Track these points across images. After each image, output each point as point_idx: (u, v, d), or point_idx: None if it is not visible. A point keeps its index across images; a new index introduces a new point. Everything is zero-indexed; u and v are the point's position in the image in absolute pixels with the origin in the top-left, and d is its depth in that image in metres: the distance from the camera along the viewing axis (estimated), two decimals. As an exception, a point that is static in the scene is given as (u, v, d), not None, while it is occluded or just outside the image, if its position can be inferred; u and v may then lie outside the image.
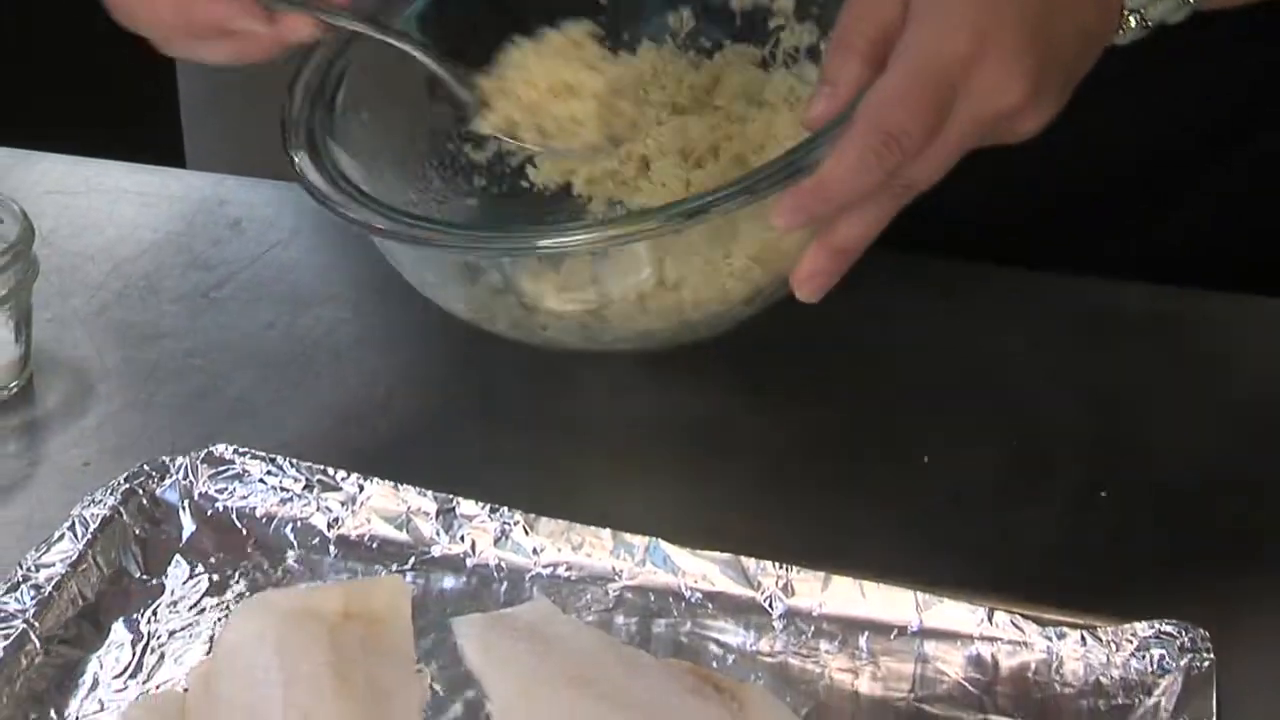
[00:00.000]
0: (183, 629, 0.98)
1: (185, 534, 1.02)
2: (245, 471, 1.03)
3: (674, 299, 1.00)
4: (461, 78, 1.05)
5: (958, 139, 0.91)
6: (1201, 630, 0.92)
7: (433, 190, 1.12)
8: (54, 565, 0.97)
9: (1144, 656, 0.93)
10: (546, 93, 1.00)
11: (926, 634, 0.95)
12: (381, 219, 0.99)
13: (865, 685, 0.94)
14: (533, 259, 1.00)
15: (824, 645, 0.96)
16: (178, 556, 1.01)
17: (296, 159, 1.02)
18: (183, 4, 1.02)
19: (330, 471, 1.03)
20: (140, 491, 1.02)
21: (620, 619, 0.98)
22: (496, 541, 1.00)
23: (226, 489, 1.03)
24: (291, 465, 1.03)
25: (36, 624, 0.95)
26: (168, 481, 1.03)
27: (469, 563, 1.01)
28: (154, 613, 0.98)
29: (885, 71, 0.90)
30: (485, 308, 1.03)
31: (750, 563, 0.98)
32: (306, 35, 1.03)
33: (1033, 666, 0.94)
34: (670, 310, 1.00)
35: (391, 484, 1.02)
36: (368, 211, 0.99)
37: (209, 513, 1.02)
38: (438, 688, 0.94)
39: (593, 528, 1.00)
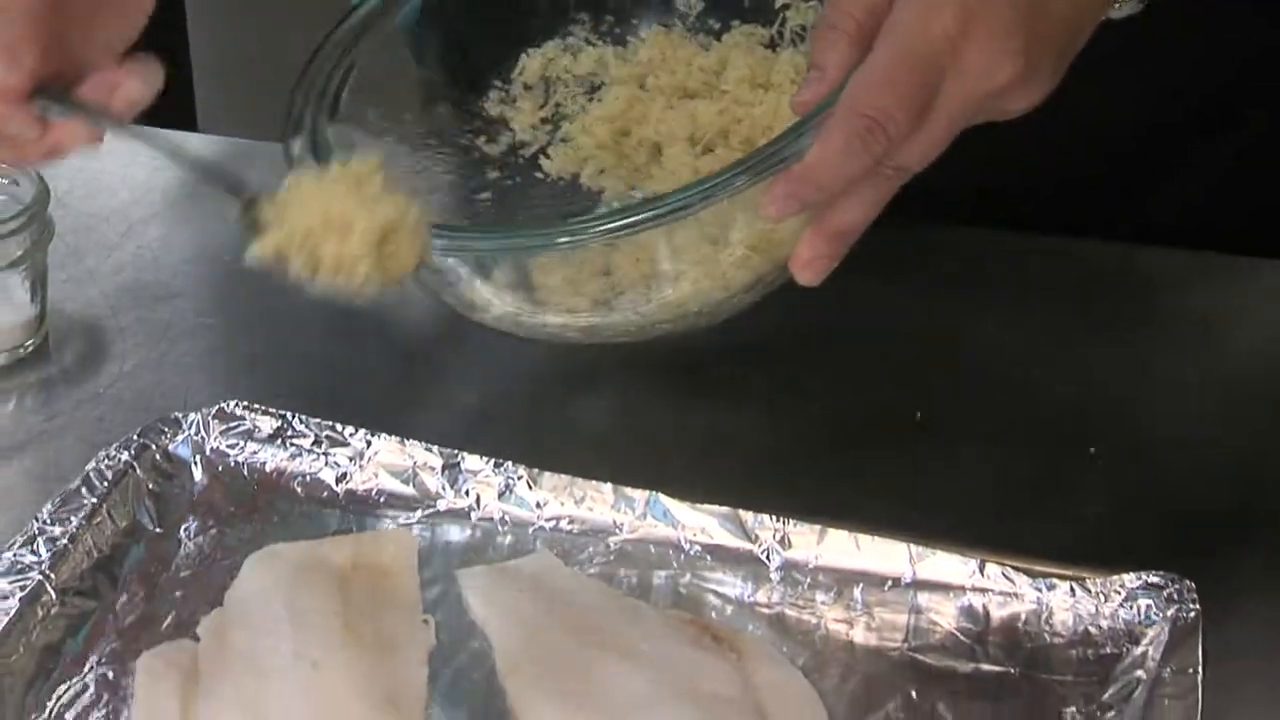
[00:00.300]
0: (195, 581, 0.99)
1: (197, 488, 1.04)
2: (256, 427, 1.05)
3: (676, 291, 1.00)
4: (237, 191, 0.97)
5: (947, 120, 0.89)
6: (1188, 581, 0.94)
7: (441, 185, 1.11)
8: (69, 519, 0.99)
9: (1131, 607, 0.94)
10: (321, 225, 0.94)
11: (920, 585, 0.97)
12: None
13: (860, 635, 0.96)
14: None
15: (820, 596, 0.98)
16: (190, 510, 1.03)
17: (295, 157, 1.01)
18: None
19: (339, 427, 1.05)
20: (153, 447, 1.03)
21: (621, 571, 1.00)
22: (501, 495, 1.02)
23: (238, 444, 1.05)
24: (301, 421, 1.05)
25: (52, 576, 0.96)
26: (180, 437, 1.04)
27: (474, 516, 1.02)
28: (167, 565, 1.00)
29: (871, 53, 0.88)
30: (483, 304, 1.03)
31: (748, 516, 1.00)
32: (83, 143, 0.98)
33: (1023, 617, 0.96)
34: (671, 302, 1.00)
35: (398, 439, 1.04)
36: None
37: (220, 468, 1.04)
38: (443, 638, 0.96)
39: (594, 482, 1.02)
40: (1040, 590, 0.96)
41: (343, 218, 0.92)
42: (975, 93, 0.89)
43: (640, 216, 0.93)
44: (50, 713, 0.92)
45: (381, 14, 1.08)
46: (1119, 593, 0.95)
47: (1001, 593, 0.96)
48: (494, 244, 0.99)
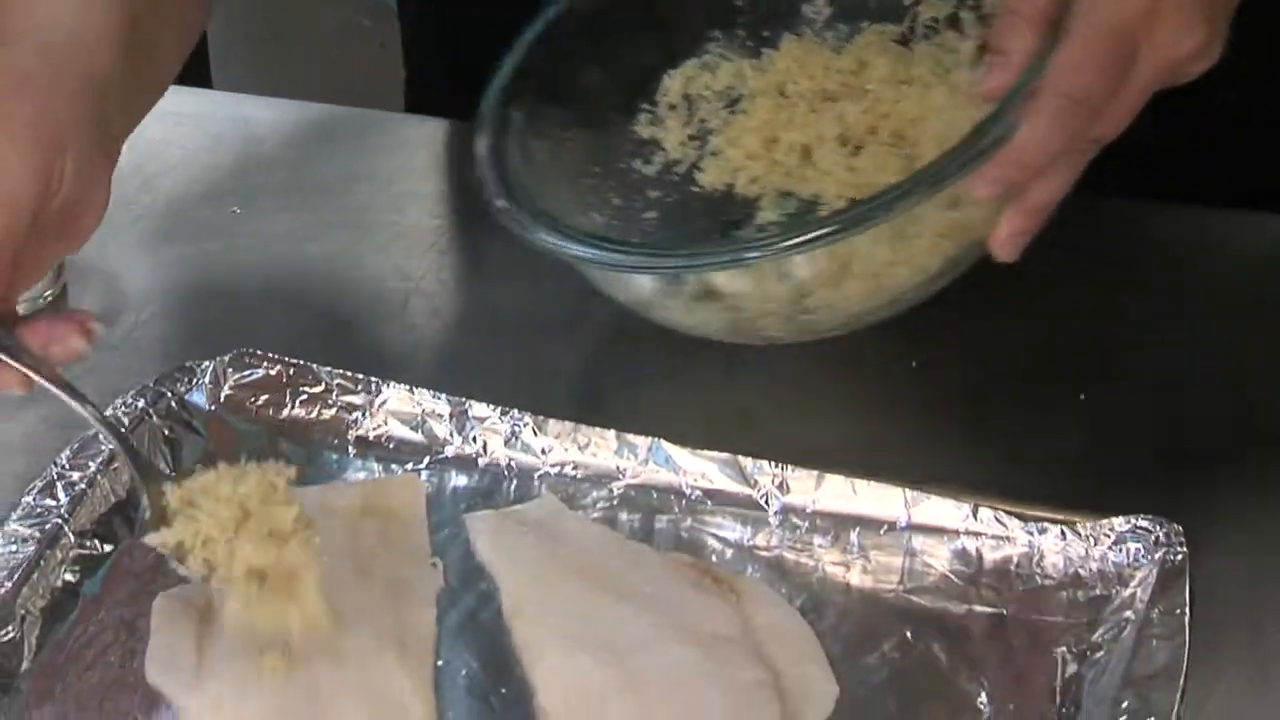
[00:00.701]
0: (210, 524, 1.01)
1: (212, 435, 1.06)
2: (269, 375, 1.07)
3: (871, 283, 1.01)
4: (151, 476, 0.95)
5: (1142, 90, 0.92)
6: (1175, 525, 0.95)
7: (611, 209, 1.12)
8: (87, 464, 1.00)
9: (1121, 550, 0.96)
10: (229, 530, 0.92)
11: (914, 529, 0.99)
12: (598, 251, 0.99)
13: (856, 578, 0.98)
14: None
15: (817, 540, 0.99)
16: (204, 456, 1.04)
17: (499, 205, 1.02)
18: None
19: (350, 375, 1.06)
20: (169, 394, 1.05)
21: (624, 515, 1.02)
22: (507, 442, 1.04)
23: (251, 392, 1.07)
24: (313, 369, 1.07)
25: (70, 519, 0.98)
26: (195, 384, 1.06)
27: (481, 462, 1.04)
28: (182, 509, 1.02)
29: (1066, 35, 0.91)
30: (695, 315, 1.04)
31: (747, 462, 1.01)
32: (13, 388, 0.92)
33: (1015, 559, 0.97)
34: (870, 292, 1.02)
35: (407, 388, 1.06)
36: (582, 245, 0.99)
37: (234, 415, 1.06)
38: (451, 580, 0.98)
39: (598, 429, 1.03)
40: (1031, 534, 0.97)
41: (245, 553, 0.90)
42: (1167, 62, 0.92)
43: (843, 223, 0.94)
44: (68, 652, 0.94)
45: (542, 45, 1.10)
46: (1108, 536, 0.96)
47: (994, 536, 0.98)
48: (683, 262, 1.00)
